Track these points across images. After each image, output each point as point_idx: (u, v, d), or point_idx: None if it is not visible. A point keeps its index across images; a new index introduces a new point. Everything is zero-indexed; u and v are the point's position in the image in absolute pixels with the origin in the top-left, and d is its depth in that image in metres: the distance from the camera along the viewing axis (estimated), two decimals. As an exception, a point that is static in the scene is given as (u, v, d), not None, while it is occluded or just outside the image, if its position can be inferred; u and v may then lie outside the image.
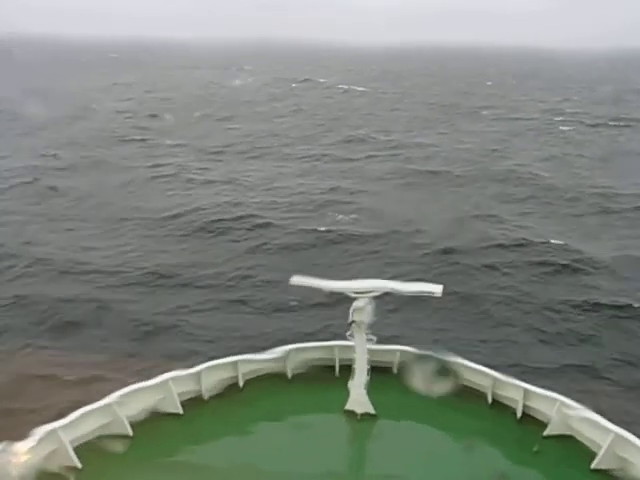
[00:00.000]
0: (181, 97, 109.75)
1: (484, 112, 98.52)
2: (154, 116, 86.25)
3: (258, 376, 13.97)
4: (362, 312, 12.08)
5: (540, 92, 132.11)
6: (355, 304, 12.08)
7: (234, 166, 56.73)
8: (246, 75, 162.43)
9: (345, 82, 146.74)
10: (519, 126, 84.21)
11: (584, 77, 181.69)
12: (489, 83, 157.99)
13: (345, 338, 13.05)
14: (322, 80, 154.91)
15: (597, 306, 28.95)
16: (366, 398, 12.66)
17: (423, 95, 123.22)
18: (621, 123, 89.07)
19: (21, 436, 10.90)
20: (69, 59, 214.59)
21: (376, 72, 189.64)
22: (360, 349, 12.51)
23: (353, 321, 12.16)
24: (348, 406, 12.76)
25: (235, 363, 13.72)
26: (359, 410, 12.70)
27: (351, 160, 59.70)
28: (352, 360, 12.76)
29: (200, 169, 55.19)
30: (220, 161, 59.36)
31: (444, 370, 13.82)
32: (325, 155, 62.21)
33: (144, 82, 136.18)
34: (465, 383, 13.58)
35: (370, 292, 12.25)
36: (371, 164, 58.15)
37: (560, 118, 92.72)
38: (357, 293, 12.22)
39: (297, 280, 13.10)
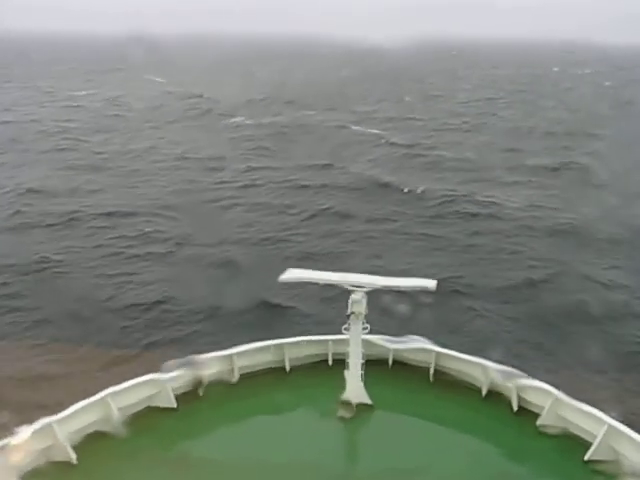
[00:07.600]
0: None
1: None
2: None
3: (253, 369, 13.99)
4: (360, 304, 12.47)
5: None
6: (353, 297, 12.51)
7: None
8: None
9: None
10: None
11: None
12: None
13: (338, 332, 13.21)
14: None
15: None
16: (362, 388, 12.83)
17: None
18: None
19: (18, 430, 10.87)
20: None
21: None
22: (356, 340, 12.73)
23: (352, 312, 12.58)
24: (344, 397, 12.84)
25: (230, 356, 13.74)
26: (355, 400, 12.80)
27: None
28: (346, 353, 12.89)
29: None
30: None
31: (437, 361, 13.92)
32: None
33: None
34: (460, 375, 13.67)
35: (365, 286, 12.46)
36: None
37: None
38: (353, 286, 12.45)
39: (288, 276, 13.11)
